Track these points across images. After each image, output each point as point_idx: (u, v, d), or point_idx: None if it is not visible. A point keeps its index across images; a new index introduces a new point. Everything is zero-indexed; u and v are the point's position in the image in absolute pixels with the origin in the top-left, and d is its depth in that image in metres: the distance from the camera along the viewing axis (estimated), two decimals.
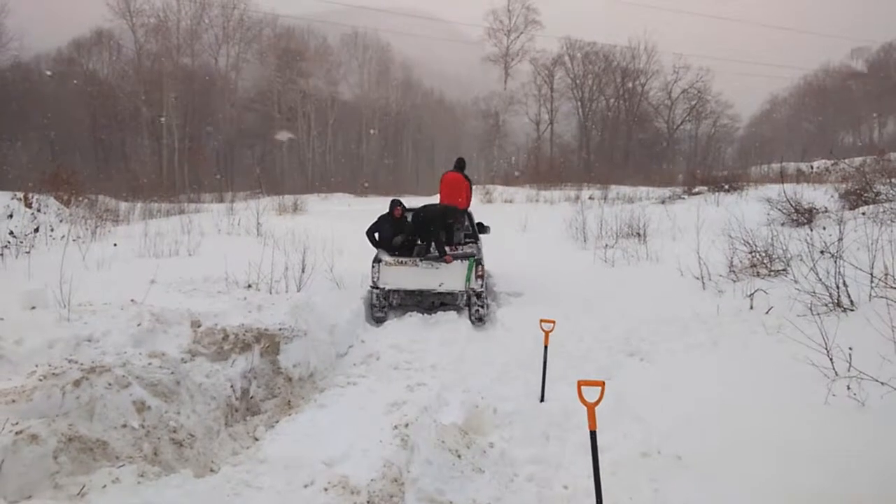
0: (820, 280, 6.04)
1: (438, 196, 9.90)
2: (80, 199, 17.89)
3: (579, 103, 59.50)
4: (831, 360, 4.51)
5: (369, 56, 58.43)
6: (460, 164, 10.06)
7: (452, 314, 8.84)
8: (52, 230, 11.37)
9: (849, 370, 4.31)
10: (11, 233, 9.79)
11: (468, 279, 8.73)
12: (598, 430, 3.50)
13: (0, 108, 39.08)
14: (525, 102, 57.62)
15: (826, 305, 5.91)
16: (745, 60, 68.77)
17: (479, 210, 13.99)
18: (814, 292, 6.03)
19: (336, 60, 56.75)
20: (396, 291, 9.09)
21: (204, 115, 49.92)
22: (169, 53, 48.88)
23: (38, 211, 14.17)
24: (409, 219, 9.67)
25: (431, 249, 9.14)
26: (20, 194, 14.71)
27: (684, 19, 73.88)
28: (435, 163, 57.40)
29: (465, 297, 9.02)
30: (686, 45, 56.52)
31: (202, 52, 52.36)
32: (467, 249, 9.60)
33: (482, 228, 10.55)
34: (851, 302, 5.82)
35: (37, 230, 10.72)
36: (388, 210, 9.53)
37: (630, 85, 58.34)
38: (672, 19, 69.18)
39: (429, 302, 9.45)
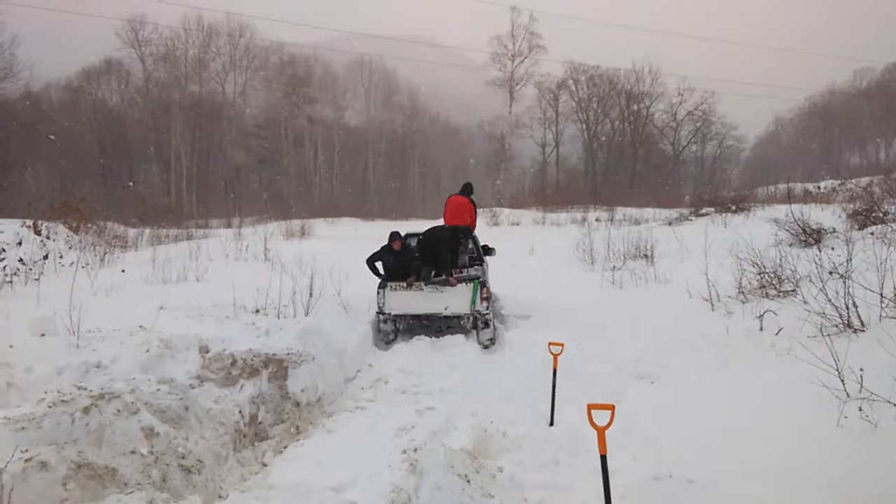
0: (829, 301, 6.01)
1: (443, 219, 9.92)
2: (89, 225, 17.98)
3: (584, 126, 59.95)
4: (843, 381, 4.47)
5: (375, 82, 59.06)
6: (467, 189, 10.06)
7: (460, 337, 8.81)
8: (60, 257, 11.44)
9: (860, 391, 4.27)
10: (21, 260, 9.85)
11: (473, 302, 8.71)
12: (608, 454, 3.47)
13: (10, 136, 39.60)
14: (530, 126, 57.93)
15: (836, 326, 5.86)
16: (749, 82, 69.22)
17: (485, 233, 14.02)
18: (824, 313, 5.99)
19: (342, 87, 57.48)
20: (403, 316, 9.10)
21: (212, 141, 50.46)
22: (177, 81, 49.77)
23: (48, 238, 14.25)
24: (413, 245, 9.70)
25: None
26: (29, 222, 14.81)
27: (688, 42, 74.56)
28: (441, 186, 57.67)
29: (471, 320, 9.00)
30: (690, 68, 57.06)
31: (210, 79, 53.22)
32: (472, 272, 9.59)
33: (487, 251, 10.53)
34: (862, 323, 5.78)
35: (46, 257, 10.78)
36: (387, 242, 9.51)
37: (635, 107, 58.84)
38: (676, 42, 69.77)
39: (436, 325, 9.44)
